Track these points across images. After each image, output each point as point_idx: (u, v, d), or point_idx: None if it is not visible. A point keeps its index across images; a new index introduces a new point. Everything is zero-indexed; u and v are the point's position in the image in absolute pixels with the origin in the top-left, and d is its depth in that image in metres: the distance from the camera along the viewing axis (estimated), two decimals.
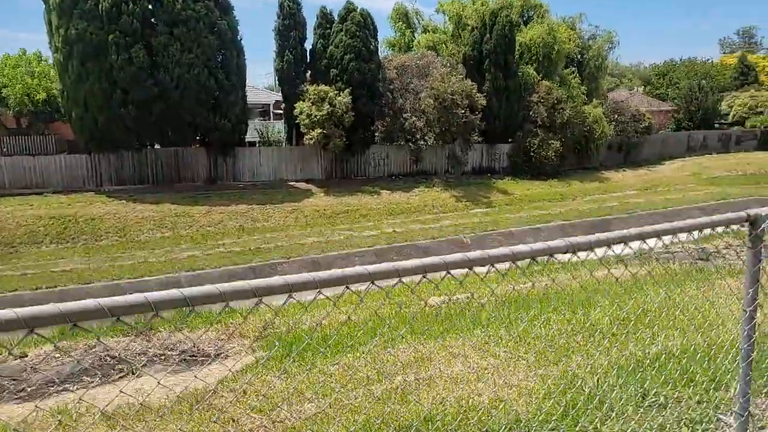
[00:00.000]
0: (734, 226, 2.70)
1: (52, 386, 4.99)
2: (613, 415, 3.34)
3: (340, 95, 24.85)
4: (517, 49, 31.04)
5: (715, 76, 47.12)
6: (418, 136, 27.27)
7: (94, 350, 5.66)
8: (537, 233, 22.48)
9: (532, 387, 3.97)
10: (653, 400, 3.56)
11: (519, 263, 2.09)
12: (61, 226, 19.84)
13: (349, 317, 6.15)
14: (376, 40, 27.82)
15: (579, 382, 3.82)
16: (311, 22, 27.28)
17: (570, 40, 34.66)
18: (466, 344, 4.99)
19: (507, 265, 2.10)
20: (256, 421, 3.75)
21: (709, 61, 52.39)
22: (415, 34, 37.10)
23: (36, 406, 4.43)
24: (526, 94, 30.63)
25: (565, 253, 2.17)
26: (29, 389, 4.86)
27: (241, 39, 24.87)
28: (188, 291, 1.47)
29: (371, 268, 1.76)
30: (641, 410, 3.40)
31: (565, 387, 3.81)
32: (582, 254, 2.32)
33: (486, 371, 4.38)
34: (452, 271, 1.90)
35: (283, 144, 29.71)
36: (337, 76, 25.93)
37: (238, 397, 4.14)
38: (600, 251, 2.29)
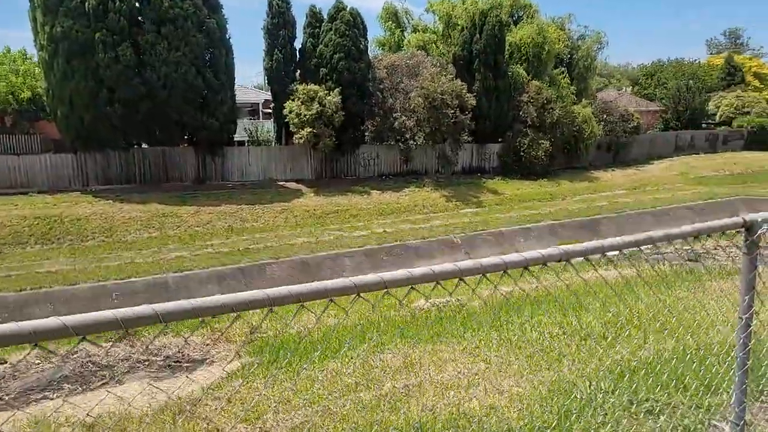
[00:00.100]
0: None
1: (32, 394, 4.85)
2: (607, 422, 3.28)
3: (329, 95, 24.70)
4: (506, 49, 31.08)
5: (702, 76, 47.43)
6: (408, 136, 27.18)
7: (75, 356, 5.51)
8: (527, 233, 22.50)
9: (524, 393, 3.90)
10: (647, 406, 3.50)
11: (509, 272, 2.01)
12: (46, 226, 19.52)
13: (338, 322, 6.06)
14: (366, 39, 27.72)
15: (572, 389, 3.76)
16: (301, 21, 27.23)
17: (559, 41, 34.78)
18: (456, 349, 4.92)
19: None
20: (242, 431, 3.65)
21: (697, 61, 52.70)
22: (405, 34, 37.03)
23: (13, 415, 4.29)
24: (516, 94, 30.67)
25: (559, 261, 2.10)
26: (6, 398, 4.71)
27: (229, 38, 24.71)
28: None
29: (356, 279, 1.67)
30: (635, 418, 3.34)
31: (557, 393, 3.75)
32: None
33: (477, 377, 4.31)
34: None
35: (273, 143, 29.51)
36: (327, 76, 25.78)
37: (224, 406, 4.04)
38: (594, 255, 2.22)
